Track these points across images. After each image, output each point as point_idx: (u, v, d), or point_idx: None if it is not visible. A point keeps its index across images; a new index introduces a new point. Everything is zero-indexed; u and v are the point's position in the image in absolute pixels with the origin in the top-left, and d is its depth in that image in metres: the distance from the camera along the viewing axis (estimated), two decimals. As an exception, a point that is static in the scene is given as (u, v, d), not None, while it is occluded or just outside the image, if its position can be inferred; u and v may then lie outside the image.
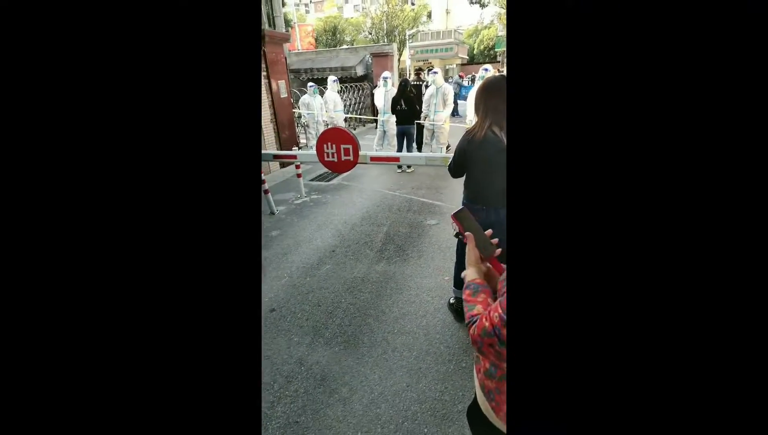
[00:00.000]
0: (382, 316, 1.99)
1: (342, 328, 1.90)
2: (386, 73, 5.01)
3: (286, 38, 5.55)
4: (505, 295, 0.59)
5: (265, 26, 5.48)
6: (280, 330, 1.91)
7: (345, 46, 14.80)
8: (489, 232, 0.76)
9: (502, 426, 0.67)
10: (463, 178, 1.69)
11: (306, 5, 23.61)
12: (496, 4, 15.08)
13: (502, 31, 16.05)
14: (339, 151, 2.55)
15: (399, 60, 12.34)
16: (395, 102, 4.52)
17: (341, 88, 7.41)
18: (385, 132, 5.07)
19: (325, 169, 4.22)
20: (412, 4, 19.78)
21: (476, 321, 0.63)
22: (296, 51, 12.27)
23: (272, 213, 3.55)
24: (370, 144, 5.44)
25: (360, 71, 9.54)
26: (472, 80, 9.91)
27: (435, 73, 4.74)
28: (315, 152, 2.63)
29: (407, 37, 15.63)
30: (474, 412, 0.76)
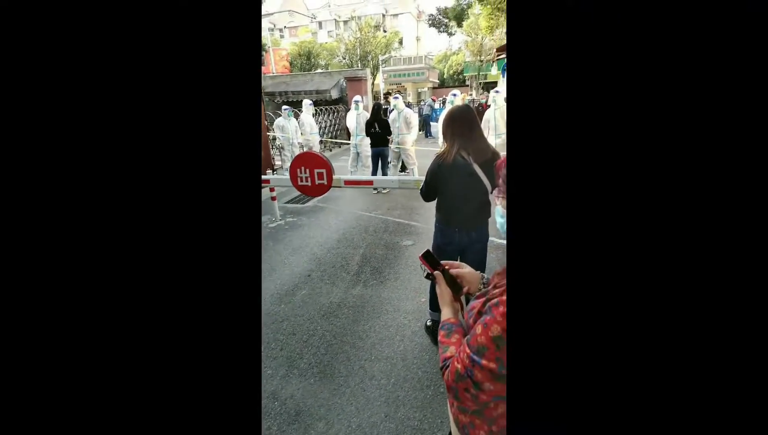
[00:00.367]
0: (359, 342, 1.95)
1: (318, 358, 1.84)
2: (357, 97, 5.14)
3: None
4: (473, 330, 0.59)
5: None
6: (251, 363, 1.82)
7: (320, 70, 15.11)
8: (455, 270, 0.77)
9: None
10: (435, 200, 1.73)
11: (280, 30, 24.06)
12: (462, 33, 16.05)
13: (470, 57, 17.00)
14: (312, 175, 2.55)
15: (373, 84, 12.71)
16: (369, 125, 4.62)
17: (316, 111, 7.49)
18: (358, 154, 5.15)
19: (300, 192, 4.19)
20: (384, 30, 20.66)
21: (449, 365, 0.62)
22: (271, 74, 12.35)
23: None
24: (345, 165, 5.48)
25: (335, 94, 9.72)
26: (443, 103, 10.35)
27: (396, 98, 4.93)
28: (288, 176, 2.62)
29: (380, 62, 16.21)
30: None
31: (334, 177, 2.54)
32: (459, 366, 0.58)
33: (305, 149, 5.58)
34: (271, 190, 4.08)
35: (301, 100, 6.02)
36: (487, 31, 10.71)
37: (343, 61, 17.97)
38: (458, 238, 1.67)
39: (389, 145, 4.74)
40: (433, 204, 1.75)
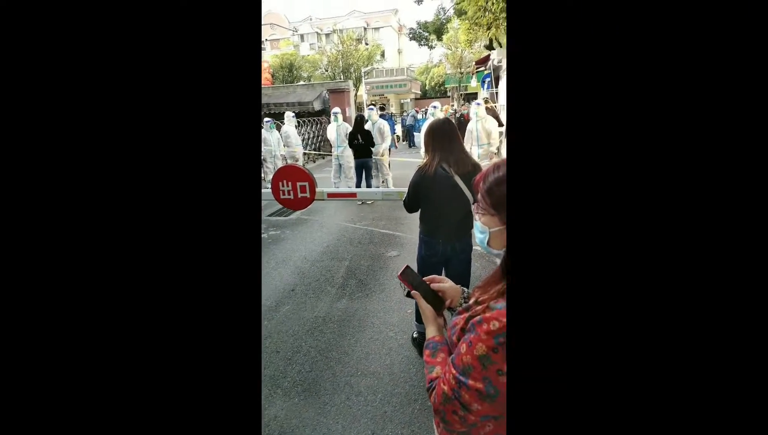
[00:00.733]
0: (345, 357, 1.91)
1: (302, 375, 1.79)
2: (336, 109, 5.19)
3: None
4: (458, 349, 0.58)
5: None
6: (233, 384, 1.75)
7: (302, 82, 15.15)
8: (436, 284, 0.76)
9: None
10: (419, 212, 1.74)
11: (262, 42, 24.17)
12: (443, 46, 16.52)
13: (450, 70, 17.47)
14: (295, 188, 2.52)
15: (356, 95, 12.84)
16: (352, 136, 4.64)
17: (299, 122, 7.48)
18: (341, 165, 5.16)
19: (284, 204, 4.14)
20: (366, 43, 21.01)
21: (435, 387, 0.60)
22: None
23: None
24: (329, 176, 5.46)
25: (317, 106, 9.75)
26: (425, 113, 10.56)
27: (371, 109, 5.04)
28: (270, 190, 2.58)
29: (363, 73, 16.44)
30: None
31: (317, 190, 2.52)
32: (446, 388, 0.57)
33: (288, 161, 5.54)
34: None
35: (284, 112, 6.01)
36: (466, 45, 11.07)
37: (326, 73, 18.11)
38: (442, 249, 1.68)
39: (373, 156, 4.78)
40: (418, 214, 1.76)
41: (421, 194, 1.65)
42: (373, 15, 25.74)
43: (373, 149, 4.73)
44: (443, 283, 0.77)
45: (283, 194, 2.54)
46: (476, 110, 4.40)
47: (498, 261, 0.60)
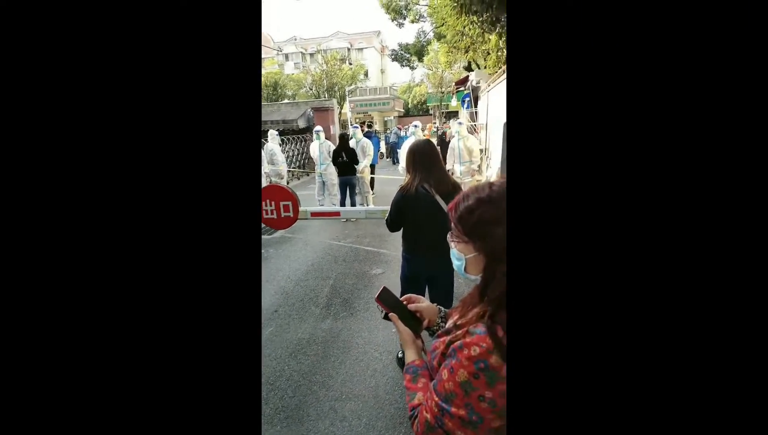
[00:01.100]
0: (329, 380, 1.87)
1: (285, 401, 1.73)
2: (318, 127, 5.27)
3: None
4: (439, 375, 0.57)
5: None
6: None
7: (286, 101, 15.26)
8: (413, 305, 0.76)
9: None
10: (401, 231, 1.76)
11: (247, 61, 24.30)
12: (424, 66, 17.11)
13: (431, 89, 18.04)
14: (278, 207, 2.51)
15: (340, 113, 13.02)
16: (337, 154, 4.68)
17: (282, 140, 7.49)
18: (324, 183, 5.18)
19: (267, 223, 4.09)
20: (350, 63, 21.49)
21: (417, 415, 0.59)
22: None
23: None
24: (313, 193, 5.45)
25: (302, 124, 9.80)
26: (407, 131, 10.78)
27: (355, 127, 5.18)
28: (253, 209, 2.56)
29: (347, 92, 16.73)
30: None
31: (301, 209, 2.52)
32: (428, 416, 0.56)
33: (273, 179, 5.50)
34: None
35: (267, 130, 6.01)
36: (446, 66, 11.51)
37: (311, 91, 18.33)
38: (425, 267, 1.69)
39: (356, 174, 4.83)
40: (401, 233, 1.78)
41: (403, 213, 1.68)
42: (357, 36, 26.50)
43: (356, 167, 4.79)
44: (419, 302, 0.78)
45: (267, 214, 2.53)
46: (458, 129, 4.55)
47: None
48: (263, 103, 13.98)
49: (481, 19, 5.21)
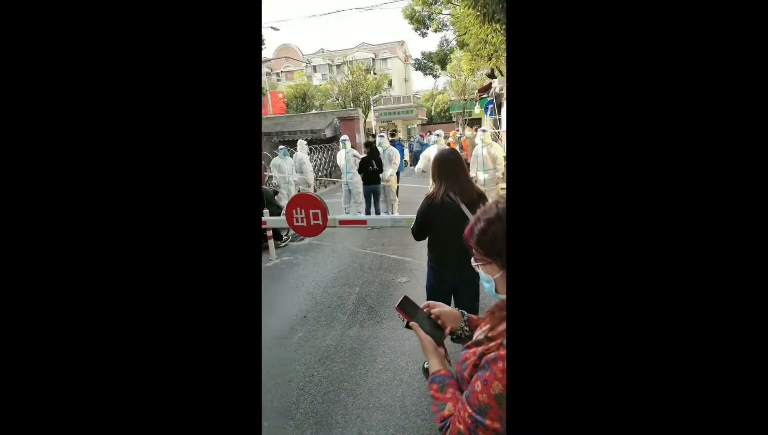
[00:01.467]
0: (357, 388, 1.89)
1: (314, 407, 1.78)
2: (344, 136, 5.39)
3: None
4: (472, 386, 0.56)
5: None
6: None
7: (314, 111, 15.75)
8: (434, 310, 0.76)
9: None
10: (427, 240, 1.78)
11: (277, 75, 25.37)
12: (446, 74, 17.11)
13: (454, 97, 17.98)
14: (308, 215, 2.60)
15: (365, 122, 13.25)
16: (366, 163, 4.77)
17: (311, 149, 7.73)
18: (350, 191, 5.28)
19: (295, 230, 4.21)
20: (374, 73, 21.87)
21: (449, 425, 0.58)
22: (267, 115, 12.83)
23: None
24: (340, 201, 5.57)
25: (329, 133, 10.05)
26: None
27: (381, 136, 5.24)
28: (284, 218, 2.67)
29: (372, 101, 17.02)
30: None
31: (329, 217, 2.60)
32: (462, 427, 0.56)
33: (301, 187, 5.69)
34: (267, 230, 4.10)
35: (296, 140, 6.24)
36: (468, 73, 11.43)
37: (337, 101, 18.79)
38: (450, 277, 1.69)
39: (381, 182, 4.89)
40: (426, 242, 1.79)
41: (428, 222, 1.69)
42: (381, 47, 26.97)
43: (381, 175, 4.85)
44: (441, 307, 0.77)
45: (297, 221, 2.62)
46: (482, 136, 4.51)
47: None
48: (293, 114, 14.50)
49: (504, 27, 5.18)
